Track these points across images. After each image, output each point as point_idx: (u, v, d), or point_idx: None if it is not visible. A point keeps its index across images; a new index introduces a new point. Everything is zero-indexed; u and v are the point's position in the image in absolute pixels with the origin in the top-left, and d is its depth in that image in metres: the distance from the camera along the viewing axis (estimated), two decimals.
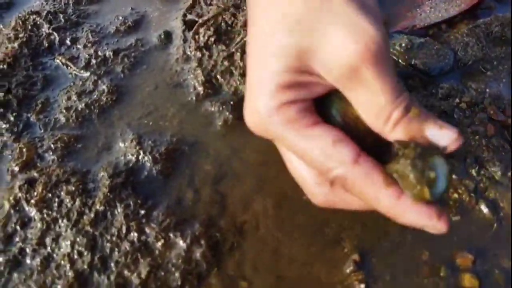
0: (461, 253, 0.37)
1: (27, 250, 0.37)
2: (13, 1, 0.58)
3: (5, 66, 0.49)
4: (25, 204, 0.40)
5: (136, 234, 0.38)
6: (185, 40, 0.52)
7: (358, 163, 0.27)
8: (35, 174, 0.41)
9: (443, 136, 0.27)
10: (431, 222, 0.27)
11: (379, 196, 0.27)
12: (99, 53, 0.50)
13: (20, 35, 0.52)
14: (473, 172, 0.40)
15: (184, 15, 0.54)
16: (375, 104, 0.27)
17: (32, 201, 0.39)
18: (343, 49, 0.25)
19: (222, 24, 0.52)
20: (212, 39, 0.51)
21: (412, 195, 0.26)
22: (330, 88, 0.28)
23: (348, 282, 0.36)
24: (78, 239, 0.38)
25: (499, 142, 0.41)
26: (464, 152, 0.42)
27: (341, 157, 0.27)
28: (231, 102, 0.46)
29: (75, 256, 0.37)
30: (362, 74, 0.26)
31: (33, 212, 0.39)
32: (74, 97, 0.47)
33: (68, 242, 0.37)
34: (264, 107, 0.28)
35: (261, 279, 0.36)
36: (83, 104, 0.46)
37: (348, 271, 0.36)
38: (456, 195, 0.40)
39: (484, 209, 0.39)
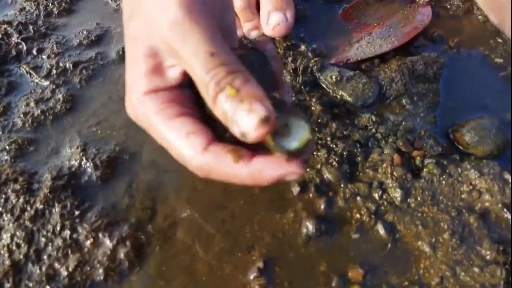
0: (354, 267, 0.42)
1: None
2: None
3: None
4: None
5: (69, 232, 0.42)
6: None
7: (207, 150, 0.30)
8: None
9: (246, 122, 0.27)
10: (285, 168, 0.29)
11: (234, 171, 0.30)
12: (60, 64, 0.55)
13: None
14: (376, 196, 0.45)
15: None
16: (193, 74, 0.29)
17: None
18: (157, 28, 0.28)
19: None
20: None
21: None
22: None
23: (251, 286, 0.40)
24: (17, 233, 0.42)
25: (403, 171, 0.46)
26: (371, 177, 0.47)
27: (192, 146, 0.30)
28: None
29: (13, 247, 0.42)
30: (173, 46, 0.28)
31: None
32: (32, 104, 0.52)
33: (9, 235, 0.42)
34: (135, 94, 0.32)
35: (177, 279, 0.41)
36: (39, 111, 0.51)
37: (252, 276, 0.41)
38: (358, 215, 0.45)
39: (381, 230, 0.44)
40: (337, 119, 0.51)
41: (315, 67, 0.54)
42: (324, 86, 0.53)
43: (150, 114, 0.31)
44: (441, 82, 0.55)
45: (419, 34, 0.59)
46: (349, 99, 0.52)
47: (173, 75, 0.32)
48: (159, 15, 0.29)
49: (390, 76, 0.54)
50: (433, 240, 0.43)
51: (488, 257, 0.42)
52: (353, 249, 0.43)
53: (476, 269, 0.41)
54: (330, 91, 0.53)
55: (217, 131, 0.32)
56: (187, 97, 0.33)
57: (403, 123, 0.50)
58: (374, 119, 0.50)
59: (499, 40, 0.61)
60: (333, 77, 0.52)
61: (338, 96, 0.52)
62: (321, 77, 0.53)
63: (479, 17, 0.63)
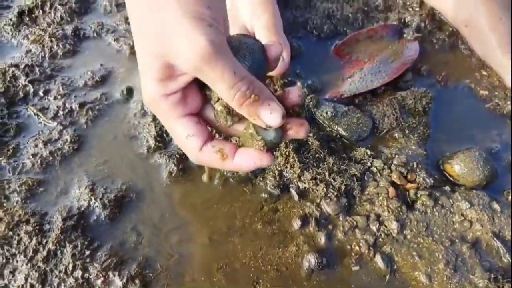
0: None
1: None
2: None
3: None
4: None
5: (80, 272, 0.44)
6: None
7: (202, 151, 0.41)
8: (1, 213, 0.48)
9: (271, 118, 0.38)
10: (259, 159, 0.40)
11: (222, 165, 0.42)
12: (67, 105, 0.57)
13: None
14: (374, 228, 0.48)
15: None
16: (220, 90, 0.37)
17: None
18: (187, 57, 0.36)
19: None
20: None
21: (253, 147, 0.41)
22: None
23: None
24: (31, 273, 0.44)
25: (398, 204, 0.49)
26: (368, 210, 0.49)
27: (191, 146, 0.41)
28: (177, 155, 0.53)
29: None
30: (204, 71, 0.36)
31: None
32: (40, 145, 0.53)
33: (23, 276, 0.44)
34: (149, 96, 0.40)
35: None
36: (47, 152, 0.53)
37: None
38: (357, 248, 0.47)
39: (380, 262, 0.46)
40: (334, 153, 0.53)
41: (311, 103, 0.56)
42: (320, 121, 0.56)
43: (162, 113, 0.41)
44: (430, 115, 0.58)
45: (407, 69, 0.62)
46: (344, 133, 0.54)
47: (183, 80, 0.39)
48: (189, 48, 0.35)
49: (382, 111, 0.57)
50: (429, 270, 0.45)
51: (480, 285, 0.44)
52: (354, 281, 0.45)
53: None
54: (326, 126, 0.55)
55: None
56: (192, 93, 0.41)
57: (396, 156, 0.53)
58: (369, 153, 0.53)
59: (484, 73, 0.64)
60: (328, 112, 0.55)
61: (334, 131, 0.55)
62: (317, 113, 0.56)
63: (464, 51, 0.67)
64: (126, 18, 0.69)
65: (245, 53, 0.39)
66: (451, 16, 0.69)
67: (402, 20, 0.70)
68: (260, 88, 0.39)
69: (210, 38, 0.35)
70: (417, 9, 0.71)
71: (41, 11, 0.69)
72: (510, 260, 0.46)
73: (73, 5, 0.70)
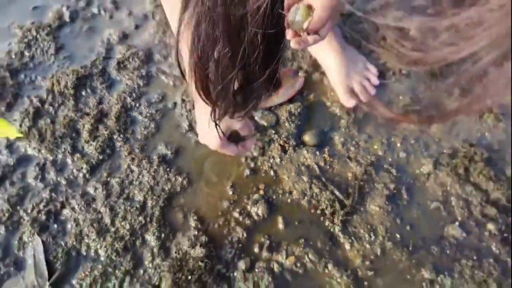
0: None
1: None
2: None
3: None
4: None
5: None
6: None
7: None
8: None
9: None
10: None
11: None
12: None
13: None
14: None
15: None
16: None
17: None
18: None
19: None
20: None
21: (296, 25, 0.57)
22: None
23: None
24: None
25: (280, 152, 1.29)
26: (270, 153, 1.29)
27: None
28: None
29: None
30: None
31: None
32: None
33: None
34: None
35: None
36: None
37: None
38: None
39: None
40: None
41: None
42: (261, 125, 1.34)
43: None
44: (303, 115, 1.37)
45: (297, 92, 1.40)
46: (264, 123, 1.33)
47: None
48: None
49: (286, 109, 1.35)
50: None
51: None
52: None
53: None
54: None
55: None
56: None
57: (283, 133, 1.33)
58: (274, 132, 1.32)
59: (332, 93, 1.42)
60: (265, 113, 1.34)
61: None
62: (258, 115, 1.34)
63: (325, 81, 1.44)
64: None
65: None
66: (321, 62, 1.45)
67: (298, 66, 1.46)
68: None
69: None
70: (307, 59, 1.48)
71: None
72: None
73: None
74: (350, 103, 1.35)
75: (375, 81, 1.37)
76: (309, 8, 0.55)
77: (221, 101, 0.67)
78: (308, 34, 0.56)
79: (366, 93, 1.36)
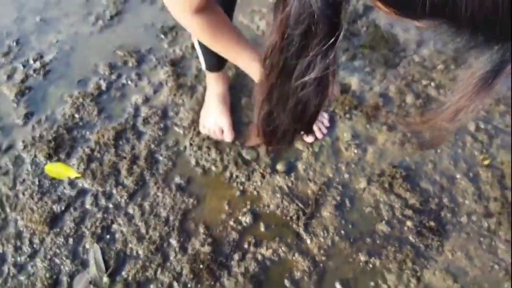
0: None
1: None
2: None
3: None
4: None
5: None
6: None
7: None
8: None
9: None
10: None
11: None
12: None
13: None
14: None
15: None
16: None
17: None
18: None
19: None
20: None
21: None
22: None
23: None
24: None
25: None
26: None
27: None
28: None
29: None
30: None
31: None
32: None
33: None
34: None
35: None
36: None
37: None
38: None
39: None
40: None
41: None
42: None
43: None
44: None
45: None
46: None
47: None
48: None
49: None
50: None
51: None
52: None
53: None
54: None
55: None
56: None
57: None
58: None
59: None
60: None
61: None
62: None
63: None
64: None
65: None
66: None
67: None
68: None
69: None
70: None
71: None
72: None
73: None
74: (309, 139, 1.91)
75: (327, 123, 1.94)
76: None
77: (276, 142, 0.80)
78: None
79: (320, 132, 1.92)
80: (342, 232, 1.72)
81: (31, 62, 2.19)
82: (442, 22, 0.44)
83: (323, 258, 1.66)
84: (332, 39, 0.53)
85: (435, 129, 0.55)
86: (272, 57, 0.60)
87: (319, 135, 1.91)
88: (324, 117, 1.94)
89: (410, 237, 1.70)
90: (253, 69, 1.03)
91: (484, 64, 0.45)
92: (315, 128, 1.90)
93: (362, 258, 1.66)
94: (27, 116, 2.02)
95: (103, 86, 2.11)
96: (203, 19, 0.91)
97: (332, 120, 1.97)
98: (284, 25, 0.54)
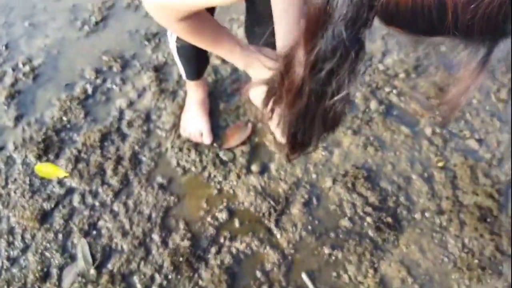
0: None
1: None
2: None
3: None
4: None
5: None
6: None
7: None
8: None
9: None
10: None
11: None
12: None
13: None
14: None
15: None
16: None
17: None
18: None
19: None
20: None
21: None
22: None
23: None
24: None
25: None
26: None
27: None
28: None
29: None
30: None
31: None
32: None
33: None
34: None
35: None
36: None
37: None
38: None
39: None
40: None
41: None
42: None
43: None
44: None
45: (247, 138, 2.12)
46: None
47: None
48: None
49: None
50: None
51: None
52: None
53: None
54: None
55: None
56: None
57: None
58: None
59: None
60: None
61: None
62: None
63: (264, 128, 2.17)
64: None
65: None
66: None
67: (248, 119, 2.18)
68: None
69: None
70: (254, 114, 2.20)
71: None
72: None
73: None
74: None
75: None
76: None
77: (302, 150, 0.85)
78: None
79: None
80: (309, 227, 1.90)
81: (20, 66, 2.31)
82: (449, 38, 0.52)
83: (292, 251, 1.84)
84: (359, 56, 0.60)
85: (450, 106, 0.63)
86: (299, 87, 0.64)
87: None
88: None
89: (369, 232, 1.89)
90: (235, 55, 1.07)
91: (480, 52, 0.53)
92: None
93: (326, 251, 1.84)
94: (18, 119, 2.14)
95: (89, 90, 2.24)
96: (187, 23, 0.92)
97: None
98: (314, 61, 0.59)
